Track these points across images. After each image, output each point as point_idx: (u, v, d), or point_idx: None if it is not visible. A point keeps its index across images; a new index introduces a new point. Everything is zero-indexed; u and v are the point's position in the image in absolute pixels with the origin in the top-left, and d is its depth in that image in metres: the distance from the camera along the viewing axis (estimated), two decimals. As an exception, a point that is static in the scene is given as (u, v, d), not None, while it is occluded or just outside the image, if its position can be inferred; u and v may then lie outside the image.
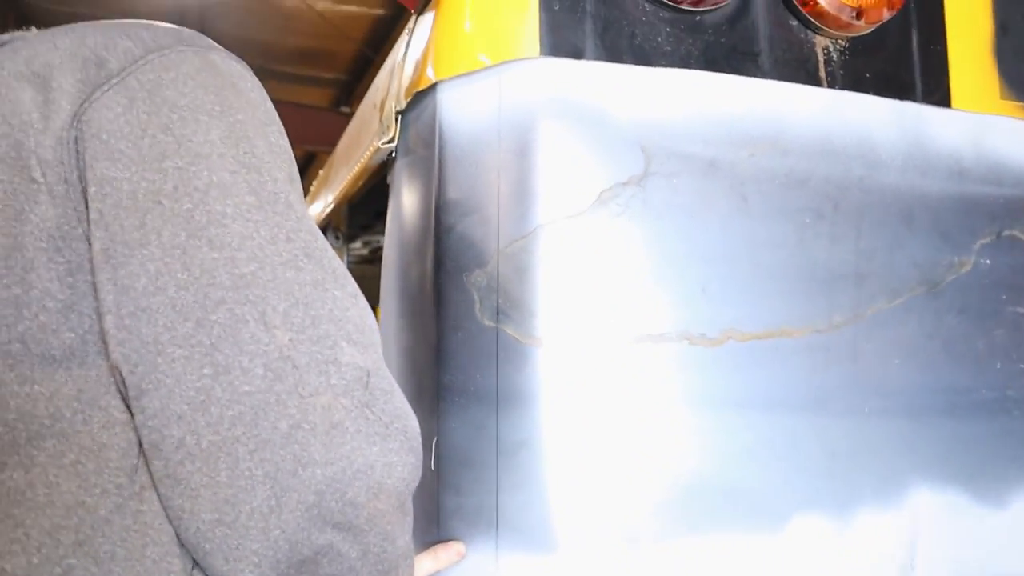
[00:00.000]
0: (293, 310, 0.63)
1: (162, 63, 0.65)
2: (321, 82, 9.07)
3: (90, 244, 0.62)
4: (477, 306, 0.99)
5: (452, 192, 1.03)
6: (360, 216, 2.61)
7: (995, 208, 1.24)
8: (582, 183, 1.00)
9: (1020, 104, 1.32)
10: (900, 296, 1.14)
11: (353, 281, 0.70)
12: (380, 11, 7.12)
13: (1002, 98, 1.31)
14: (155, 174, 0.62)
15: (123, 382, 0.62)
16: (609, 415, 0.98)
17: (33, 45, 0.66)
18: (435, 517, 0.97)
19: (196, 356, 0.61)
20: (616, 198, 1.00)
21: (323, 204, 2.48)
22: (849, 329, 1.10)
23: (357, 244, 3.21)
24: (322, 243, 0.69)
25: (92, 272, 0.62)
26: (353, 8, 7.26)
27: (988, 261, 1.22)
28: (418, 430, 0.70)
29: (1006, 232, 1.24)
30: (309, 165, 11.38)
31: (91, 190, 0.61)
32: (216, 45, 0.73)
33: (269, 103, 0.73)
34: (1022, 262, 1.25)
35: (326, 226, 2.72)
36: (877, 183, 1.16)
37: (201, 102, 0.65)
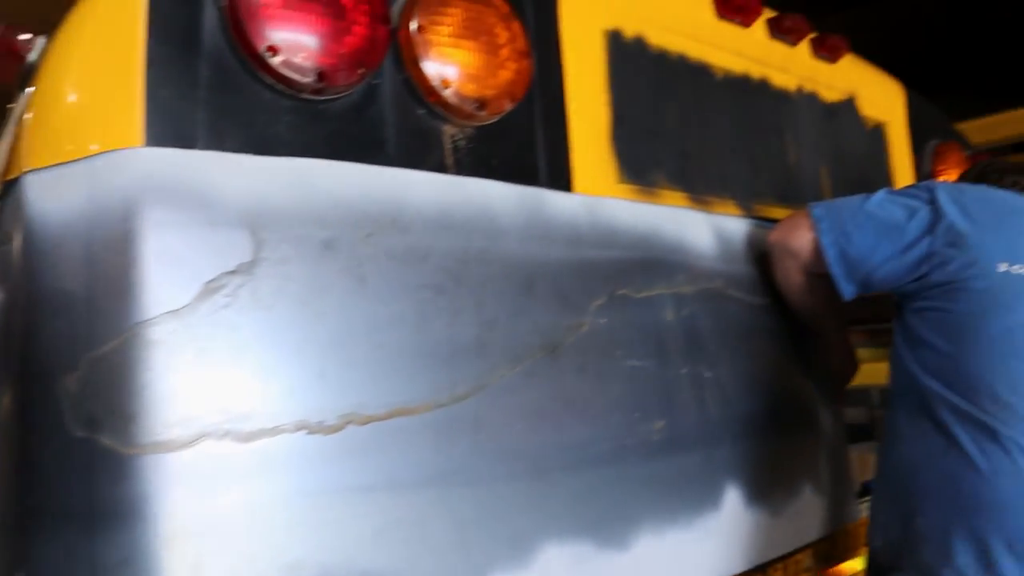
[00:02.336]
0: None
1: None
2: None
3: None
4: (67, 416, 0.90)
5: (39, 288, 0.94)
6: None
7: (608, 270, 1.35)
8: (183, 276, 0.95)
9: (634, 187, 1.46)
10: (522, 362, 1.20)
11: None
12: None
13: (619, 182, 1.44)
14: None
15: None
16: (227, 519, 0.93)
17: None
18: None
19: None
20: (222, 289, 0.97)
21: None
22: (472, 400, 1.13)
23: None
24: None
25: None
26: None
27: (604, 320, 1.32)
28: None
29: (618, 291, 1.36)
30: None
31: None
32: None
33: None
34: (632, 318, 1.37)
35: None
36: (498, 253, 1.22)
37: None
